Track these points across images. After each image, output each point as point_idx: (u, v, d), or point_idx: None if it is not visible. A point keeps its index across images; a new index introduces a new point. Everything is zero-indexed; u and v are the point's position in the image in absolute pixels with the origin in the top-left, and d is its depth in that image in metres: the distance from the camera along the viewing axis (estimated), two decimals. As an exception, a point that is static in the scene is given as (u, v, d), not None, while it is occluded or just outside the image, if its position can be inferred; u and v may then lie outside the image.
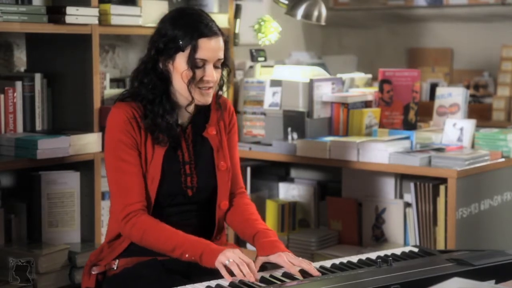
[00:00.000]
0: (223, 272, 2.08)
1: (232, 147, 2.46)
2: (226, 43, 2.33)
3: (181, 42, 2.25)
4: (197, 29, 2.26)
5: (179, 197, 2.35)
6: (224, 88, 2.42)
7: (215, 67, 2.30)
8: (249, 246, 3.49)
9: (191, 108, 2.34)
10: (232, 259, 2.09)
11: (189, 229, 2.27)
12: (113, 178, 2.30)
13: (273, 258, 2.19)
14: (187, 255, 2.18)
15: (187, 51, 2.25)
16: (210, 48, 2.26)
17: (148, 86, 2.31)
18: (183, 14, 2.33)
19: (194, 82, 2.27)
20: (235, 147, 2.47)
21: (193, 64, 2.25)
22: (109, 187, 2.33)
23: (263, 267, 2.25)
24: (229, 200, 2.42)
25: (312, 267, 2.13)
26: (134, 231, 2.25)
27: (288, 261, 2.16)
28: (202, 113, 2.41)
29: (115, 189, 2.30)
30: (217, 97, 2.42)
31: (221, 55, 2.30)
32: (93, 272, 2.37)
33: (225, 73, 2.38)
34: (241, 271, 2.07)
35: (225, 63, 2.34)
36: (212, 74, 2.28)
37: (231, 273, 2.08)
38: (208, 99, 2.32)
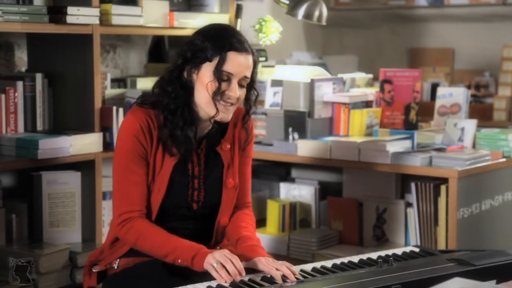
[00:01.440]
0: (214, 273, 2.08)
1: (246, 164, 2.43)
2: (255, 64, 2.29)
3: (209, 52, 2.22)
4: (229, 42, 2.23)
5: (183, 210, 2.34)
6: (250, 112, 2.37)
7: (240, 85, 2.26)
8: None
9: (211, 121, 2.31)
10: (218, 259, 2.08)
11: (186, 237, 2.25)
12: (117, 184, 2.30)
13: (252, 263, 2.17)
14: (179, 260, 2.18)
15: (215, 61, 2.22)
16: (238, 63, 2.22)
17: (171, 95, 2.27)
18: (218, 27, 2.32)
19: (219, 94, 2.23)
20: (248, 164, 2.44)
21: (220, 75, 2.21)
22: (112, 191, 2.34)
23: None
24: (230, 216, 2.40)
25: (289, 272, 2.09)
26: (129, 236, 2.26)
27: (268, 264, 2.13)
28: (219, 128, 2.37)
29: (117, 195, 2.30)
30: (243, 121, 2.38)
31: (248, 73, 2.26)
32: (94, 270, 2.38)
33: (252, 97, 2.33)
34: (227, 271, 2.06)
35: (252, 86, 2.31)
36: (236, 90, 2.24)
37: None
38: (229, 117, 2.28)
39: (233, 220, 2.40)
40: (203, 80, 2.24)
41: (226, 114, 2.27)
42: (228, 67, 2.22)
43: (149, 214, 2.30)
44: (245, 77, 2.25)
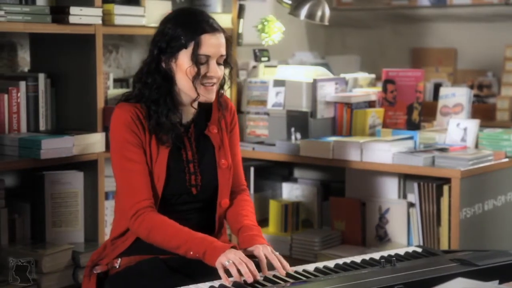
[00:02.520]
0: (221, 273, 2.08)
1: (234, 145, 2.48)
2: (228, 40, 2.36)
3: (183, 39, 2.28)
4: (199, 25, 2.29)
5: (184, 196, 2.36)
6: (226, 87, 2.44)
7: (218, 63, 2.32)
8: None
9: (195, 105, 2.36)
10: (232, 260, 2.09)
11: (190, 227, 2.27)
12: (120, 177, 2.32)
13: (249, 250, 2.21)
14: (191, 252, 2.19)
15: (190, 47, 2.28)
16: (213, 44, 2.29)
17: (152, 86, 2.33)
18: (184, 13, 2.37)
19: (199, 78, 2.29)
20: (236, 145, 2.49)
21: (197, 59, 2.27)
22: (117, 186, 2.35)
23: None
24: (230, 198, 2.43)
25: (279, 265, 2.13)
26: (142, 229, 2.27)
27: (263, 254, 2.16)
28: (203, 112, 2.42)
29: (123, 188, 2.32)
30: (218, 95, 2.43)
31: (223, 51, 2.32)
32: (95, 271, 2.38)
33: (227, 71, 2.40)
34: (239, 271, 2.06)
35: (227, 61, 2.37)
36: (216, 70, 2.31)
37: (229, 274, 2.08)
38: (212, 96, 2.34)
39: (234, 207, 2.43)
40: (183, 67, 2.29)
41: (209, 95, 2.33)
42: (204, 50, 2.28)
43: (154, 201, 2.31)
44: (221, 55, 2.32)
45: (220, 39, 2.31)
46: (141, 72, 2.37)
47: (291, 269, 2.15)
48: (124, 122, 2.30)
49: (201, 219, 2.39)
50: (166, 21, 2.35)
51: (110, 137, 2.36)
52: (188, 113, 2.39)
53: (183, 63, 2.29)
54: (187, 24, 2.30)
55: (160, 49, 2.32)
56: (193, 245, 2.19)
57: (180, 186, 2.35)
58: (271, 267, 2.15)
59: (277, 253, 2.19)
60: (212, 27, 2.30)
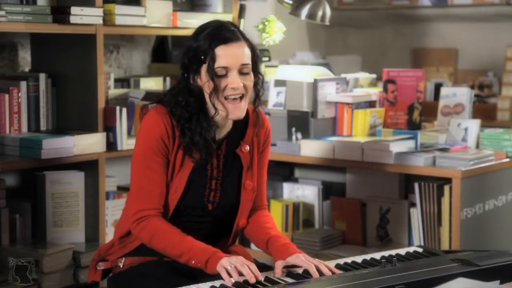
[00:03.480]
0: (224, 275, 2.08)
1: (263, 166, 2.42)
2: (253, 48, 2.26)
3: (202, 55, 2.21)
4: (214, 37, 2.21)
5: (198, 210, 2.34)
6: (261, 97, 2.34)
7: (243, 73, 2.23)
8: (253, 246, 3.49)
9: (229, 122, 2.29)
10: (234, 264, 2.09)
11: (201, 240, 2.25)
12: (135, 181, 2.28)
13: (291, 260, 2.18)
14: (193, 262, 2.18)
15: (208, 61, 2.21)
16: (230, 54, 2.20)
17: (182, 104, 2.25)
18: (206, 26, 2.28)
19: (216, 93, 2.21)
20: (265, 166, 2.44)
21: (213, 74, 2.19)
22: (131, 187, 2.32)
23: (268, 267, 2.26)
24: (248, 217, 2.41)
25: (327, 270, 2.13)
26: (144, 234, 2.25)
27: (306, 261, 2.15)
28: (238, 130, 2.36)
29: (135, 192, 2.29)
30: (254, 106, 2.36)
31: (246, 60, 2.23)
32: (98, 268, 2.38)
33: (259, 81, 2.30)
34: (240, 273, 2.07)
35: (256, 70, 2.27)
36: (237, 81, 2.20)
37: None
38: (240, 113, 2.25)
39: (254, 222, 2.39)
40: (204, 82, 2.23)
41: (237, 111, 2.24)
42: (220, 62, 2.20)
43: (165, 213, 2.29)
44: (244, 64, 2.22)
45: (239, 48, 2.21)
46: (173, 89, 2.31)
47: (334, 269, 2.15)
48: (157, 129, 2.24)
49: (213, 232, 2.37)
50: (192, 36, 2.28)
51: (138, 135, 2.30)
52: (222, 130, 2.32)
53: (204, 79, 2.23)
54: (204, 38, 2.22)
55: (184, 66, 2.26)
56: (195, 254, 2.17)
57: (197, 200, 2.32)
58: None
59: (316, 260, 2.18)
60: (228, 37, 2.21)
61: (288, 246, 2.24)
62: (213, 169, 2.32)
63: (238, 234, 2.43)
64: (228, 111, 2.23)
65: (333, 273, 2.13)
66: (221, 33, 2.22)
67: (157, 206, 2.27)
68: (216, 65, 2.20)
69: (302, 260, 2.16)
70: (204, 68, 2.22)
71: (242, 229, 2.41)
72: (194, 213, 2.33)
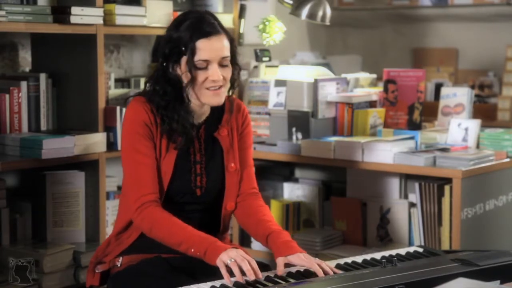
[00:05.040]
0: (223, 271, 2.08)
1: (245, 148, 2.46)
2: (232, 41, 2.33)
3: (182, 47, 2.27)
4: (195, 31, 2.26)
5: (187, 196, 2.36)
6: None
7: (222, 65, 2.29)
8: (253, 246, 3.49)
9: (207, 107, 2.36)
10: (234, 258, 2.09)
11: (192, 226, 2.26)
12: (128, 169, 2.32)
13: (292, 259, 2.18)
14: (192, 250, 2.19)
15: (188, 54, 2.26)
16: (210, 48, 2.26)
17: (159, 93, 2.32)
18: (187, 17, 2.32)
19: (193, 84, 2.27)
20: (248, 148, 2.47)
21: (193, 67, 2.25)
22: (124, 178, 2.35)
23: (267, 266, 2.26)
24: (236, 201, 2.42)
25: (328, 269, 2.13)
26: (145, 223, 2.27)
27: (308, 260, 2.16)
28: (215, 114, 2.41)
29: (130, 180, 2.31)
30: (228, 95, 2.41)
31: (225, 53, 2.29)
32: (97, 271, 2.38)
33: (235, 72, 2.37)
34: (241, 269, 2.06)
35: (234, 62, 2.34)
36: (217, 74, 2.27)
37: (231, 273, 2.08)
38: (220, 100, 2.32)
39: (253, 213, 2.39)
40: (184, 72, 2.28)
41: (217, 98, 2.31)
42: (201, 55, 2.25)
43: (160, 196, 2.32)
44: (223, 57, 2.29)
45: (219, 41, 2.28)
46: (151, 78, 2.37)
47: (334, 268, 2.15)
48: (138, 115, 2.30)
49: (203, 219, 2.39)
50: (170, 26, 2.34)
51: (123, 128, 2.35)
52: (201, 115, 2.38)
53: (184, 69, 2.28)
54: (185, 29, 2.27)
55: (164, 55, 2.31)
56: (194, 243, 2.18)
57: (185, 186, 2.35)
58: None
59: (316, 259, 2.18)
60: (208, 31, 2.26)
61: (289, 244, 2.24)
62: (196, 153, 2.37)
63: (228, 219, 2.44)
64: (208, 98, 2.30)
65: (334, 273, 2.13)
66: (202, 26, 2.27)
67: (154, 189, 2.30)
68: (197, 58, 2.25)
69: (303, 259, 2.16)
70: (184, 59, 2.28)
71: (231, 212, 2.42)
72: (184, 199, 2.35)
